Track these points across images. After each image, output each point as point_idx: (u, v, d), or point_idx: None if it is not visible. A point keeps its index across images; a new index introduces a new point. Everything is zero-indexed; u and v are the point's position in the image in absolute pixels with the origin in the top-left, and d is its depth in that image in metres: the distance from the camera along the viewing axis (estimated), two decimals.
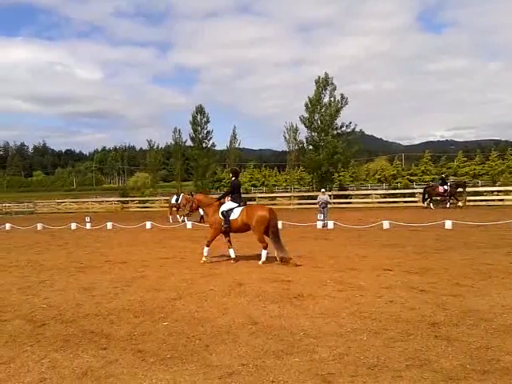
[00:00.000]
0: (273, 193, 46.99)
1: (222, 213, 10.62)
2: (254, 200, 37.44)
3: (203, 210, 11.72)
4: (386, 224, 17.43)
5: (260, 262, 10.30)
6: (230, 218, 10.52)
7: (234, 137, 52.67)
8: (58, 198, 51.38)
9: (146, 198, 43.70)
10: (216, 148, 52.10)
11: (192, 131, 47.88)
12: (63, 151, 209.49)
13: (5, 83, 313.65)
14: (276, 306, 6.46)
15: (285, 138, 45.26)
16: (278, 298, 6.90)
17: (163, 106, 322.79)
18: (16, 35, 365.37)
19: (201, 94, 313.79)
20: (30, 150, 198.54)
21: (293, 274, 8.83)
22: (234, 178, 11.16)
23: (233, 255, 10.86)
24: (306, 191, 45.50)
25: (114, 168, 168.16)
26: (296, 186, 53.33)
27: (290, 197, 38.36)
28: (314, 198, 27.64)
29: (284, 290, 7.46)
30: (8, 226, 24.23)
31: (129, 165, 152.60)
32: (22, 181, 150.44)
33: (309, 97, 39.63)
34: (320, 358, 4.55)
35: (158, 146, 58.36)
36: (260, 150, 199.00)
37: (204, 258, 10.83)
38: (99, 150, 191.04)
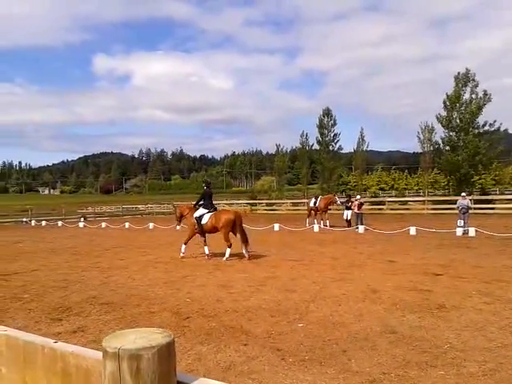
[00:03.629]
0: (404, 197, 44.87)
1: (195, 218, 12.34)
2: (384, 204, 36.15)
3: (184, 216, 13.03)
4: None
5: (224, 259, 11.86)
6: (202, 223, 12.23)
7: (361, 139, 51.27)
8: (193, 201, 55.08)
9: (273, 201, 44.72)
10: (342, 151, 51.45)
11: (319, 134, 47.87)
12: (198, 157, 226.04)
13: (148, 95, 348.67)
14: (415, 316, 6.14)
15: (419, 138, 42.51)
16: (416, 308, 6.56)
17: (289, 111, 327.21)
18: (157, 49, 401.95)
19: (327, 96, 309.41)
20: (168, 155, 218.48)
21: (432, 283, 8.32)
22: (206, 188, 12.89)
23: (207, 252, 12.42)
24: (441, 195, 42.64)
25: (243, 172, 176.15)
26: (430, 190, 50.11)
27: (423, 201, 36.15)
28: (452, 202, 25.82)
29: (423, 299, 7.05)
30: (151, 225, 26.61)
31: (256, 169, 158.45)
32: (162, 184, 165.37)
33: (447, 94, 37.07)
34: (468, 372, 4.24)
35: (284, 150, 59.53)
36: (389, 151, 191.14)
37: (182, 254, 12.50)
38: (229, 154, 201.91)
